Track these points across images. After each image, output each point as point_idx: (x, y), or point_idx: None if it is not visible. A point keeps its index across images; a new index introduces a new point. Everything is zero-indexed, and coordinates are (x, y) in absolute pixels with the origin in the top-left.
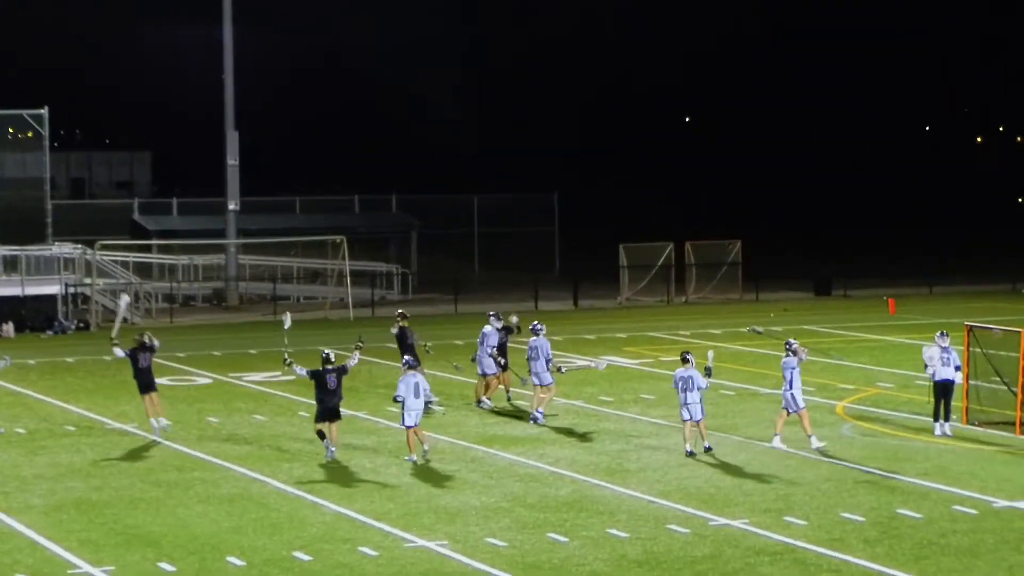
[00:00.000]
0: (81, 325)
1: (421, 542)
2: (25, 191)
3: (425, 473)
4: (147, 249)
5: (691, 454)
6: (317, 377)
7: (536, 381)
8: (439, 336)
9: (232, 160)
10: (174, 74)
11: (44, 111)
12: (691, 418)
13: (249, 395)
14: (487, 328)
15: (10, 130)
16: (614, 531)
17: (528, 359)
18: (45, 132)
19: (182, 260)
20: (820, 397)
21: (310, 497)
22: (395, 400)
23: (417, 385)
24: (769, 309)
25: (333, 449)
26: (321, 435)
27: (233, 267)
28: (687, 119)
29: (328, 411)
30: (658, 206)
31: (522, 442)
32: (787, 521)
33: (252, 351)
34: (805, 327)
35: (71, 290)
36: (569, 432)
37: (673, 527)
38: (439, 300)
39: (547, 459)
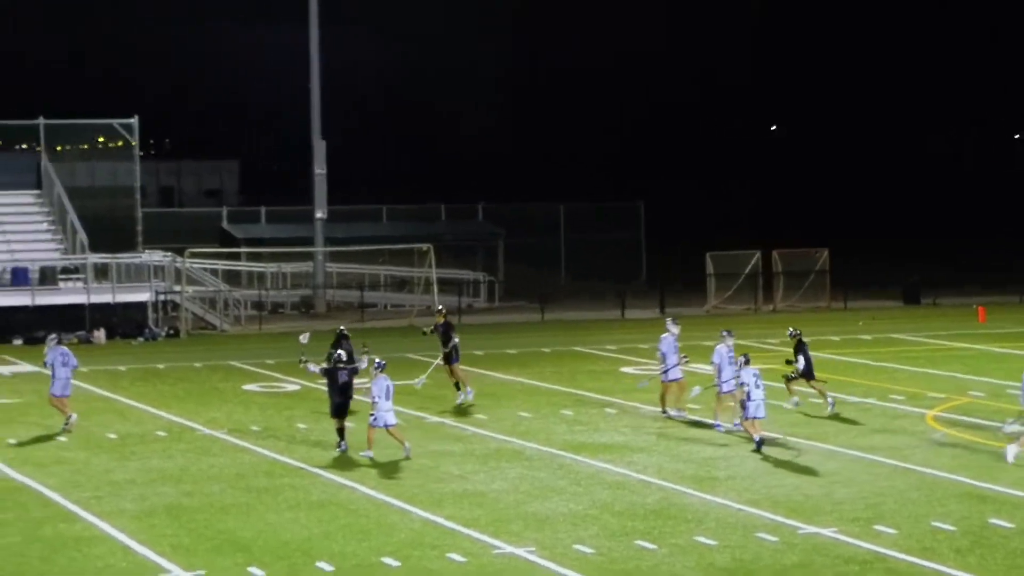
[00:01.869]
0: (171, 332)
1: (509, 549)
2: (116, 200)
3: (513, 480)
4: (236, 257)
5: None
6: (330, 375)
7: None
8: (526, 344)
9: (319, 169)
10: (262, 82)
11: (134, 120)
12: (758, 416)
13: None
14: (666, 334)
15: (100, 139)
16: (702, 539)
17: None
18: (135, 141)
19: (270, 268)
20: (910, 406)
21: (398, 503)
22: (372, 402)
23: (389, 388)
24: (857, 317)
25: (345, 446)
26: (341, 432)
27: (321, 275)
28: (773, 127)
29: (340, 407)
30: (744, 214)
31: (610, 449)
32: (877, 530)
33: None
34: (893, 335)
35: (161, 297)
36: (657, 440)
37: (762, 535)
38: (525, 308)
39: (635, 467)
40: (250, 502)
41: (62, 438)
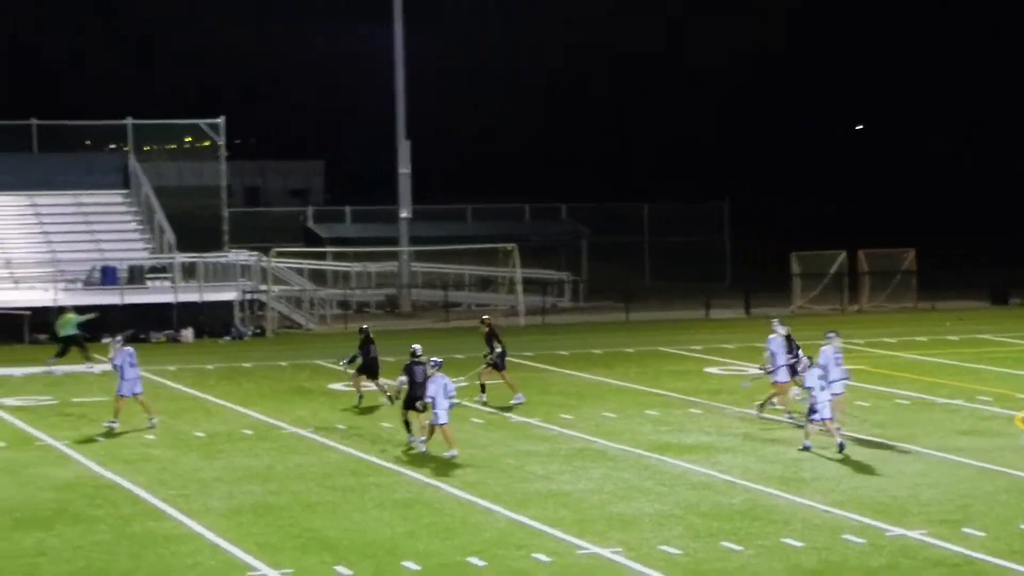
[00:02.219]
0: (257, 331)
1: (594, 549)
2: (202, 199)
3: (598, 480)
4: (321, 256)
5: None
6: (408, 372)
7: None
8: (611, 344)
9: (404, 168)
10: (347, 82)
11: (220, 120)
12: (825, 416)
13: None
14: (773, 335)
15: (187, 139)
16: (789, 540)
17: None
18: (221, 141)
19: (355, 267)
20: (998, 407)
21: (484, 503)
22: (425, 401)
23: (446, 386)
24: (944, 318)
25: (421, 439)
26: (408, 425)
27: (405, 274)
28: (859, 127)
29: (416, 400)
30: (830, 214)
31: (695, 450)
32: (965, 533)
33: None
34: (981, 336)
35: (247, 297)
36: (742, 440)
37: (849, 537)
38: (610, 308)
39: (720, 467)
40: (336, 501)
41: (150, 436)
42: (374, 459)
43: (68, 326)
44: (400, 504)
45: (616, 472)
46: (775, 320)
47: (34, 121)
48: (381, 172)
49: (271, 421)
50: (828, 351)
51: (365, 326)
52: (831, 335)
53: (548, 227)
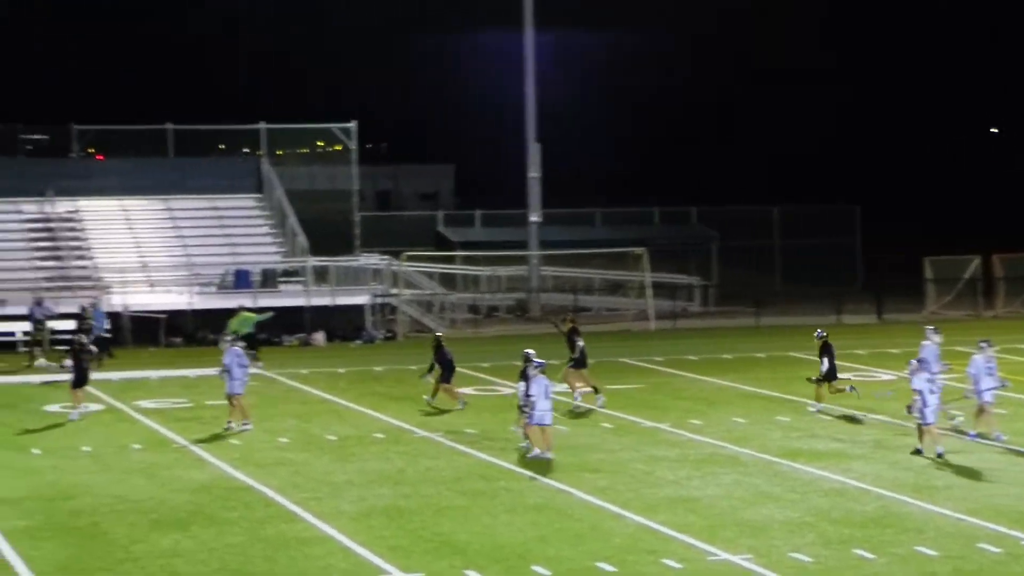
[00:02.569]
0: (388, 335)
1: (724, 555)
2: (334, 203)
3: (728, 486)
4: (451, 260)
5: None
6: (525, 376)
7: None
8: (741, 349)
9: (534, 172)
10: (479, 85)
11: (352, 125)
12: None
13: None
14: (927, 342)
15: (319, 143)
16: (922, 549)
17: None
18: (353, 145)
19: (485, 271)
20: None
21: (613, 508)
22: (527, 398)
23: (547, 387)
24: None
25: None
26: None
27: (535, 278)
28: (994, 129)
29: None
30: (963, 218)
31: (826, 456)
32: None
33: (554, 361)
34: None
35: (378, 300)
36: (874, 448)
37: (984, 546)
38: (740, 313)
39: (852, 474)
40: (466, 505)
41: (284, 439)
42: (504, 463)
43: (247, 324)
44: (530, 509)
45: (746, 478)
46: (929, 328)
47: (170, 126)
48: (511, 176)
49: (402, 425)
50: (979, 360)
51: (438, 333)
52: (983, 344)
53: (678, 231)
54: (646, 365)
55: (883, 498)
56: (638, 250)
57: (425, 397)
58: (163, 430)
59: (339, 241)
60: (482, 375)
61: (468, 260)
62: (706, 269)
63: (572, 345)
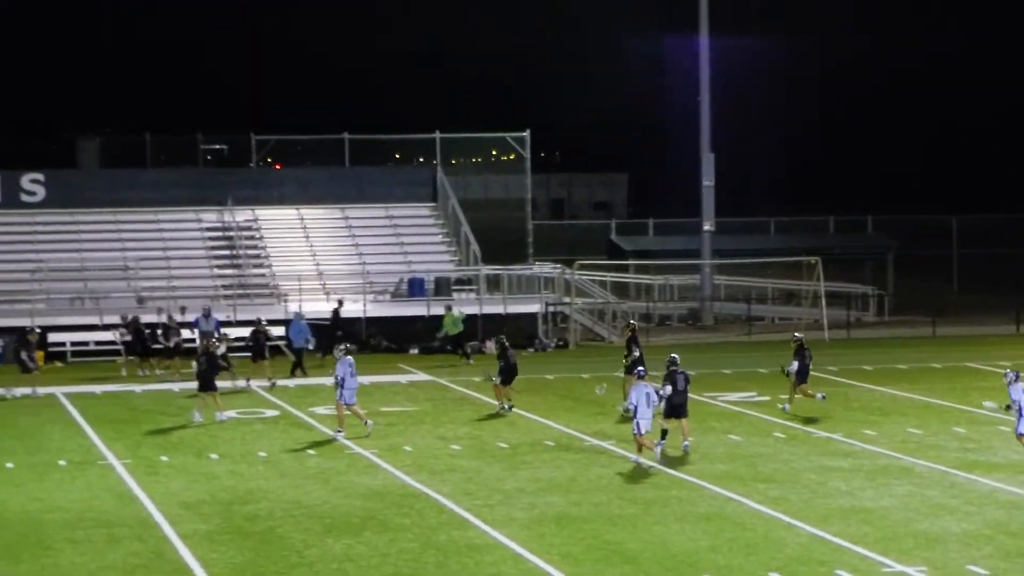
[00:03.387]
0: (560, 343)
1: (899, 567)
2: (507, 212)
3: (903, 497)
4: (624, 269)
5: None
6: (671, 380)
7: None
8: (917, 359)
9: (707, 181)
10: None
11: (526, 134)
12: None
13: (723, 415)
14: None
15: (494, 152)
16: None
17: None
18: (527, 154)
19: (658, 280)
20: None
21: (785, 518)
22: (627, 410)
23: (649, 395)
24: None
25: (686, 443)
26: (664, 432)
27: (708, 287)
28: None
29: (674, 408)
30: None
31: (1004, 468)
32: None
33: (726, 371)
34: None
35: (551, 309)
36: None
37: None
38: (916, 323)
39: None
40: (637, 513)
41: (456, 446)
42: (675, 472)
43: (457, 323)
44: (702, 518)
45: (921, 489)
46: None
47: (346, 135)
48: (684, 184)
49: (572, 432)
50: None
51: (501, 336)
52: None
53: (853, 240)
54: (819, 375)
55: None
56: (812, 259)
57: (621, 407)
58: (337, 436)
59: (512, 250)
60: (654, 384)
61: (640, 269)
62: (882, 278)
63: (630, 352)
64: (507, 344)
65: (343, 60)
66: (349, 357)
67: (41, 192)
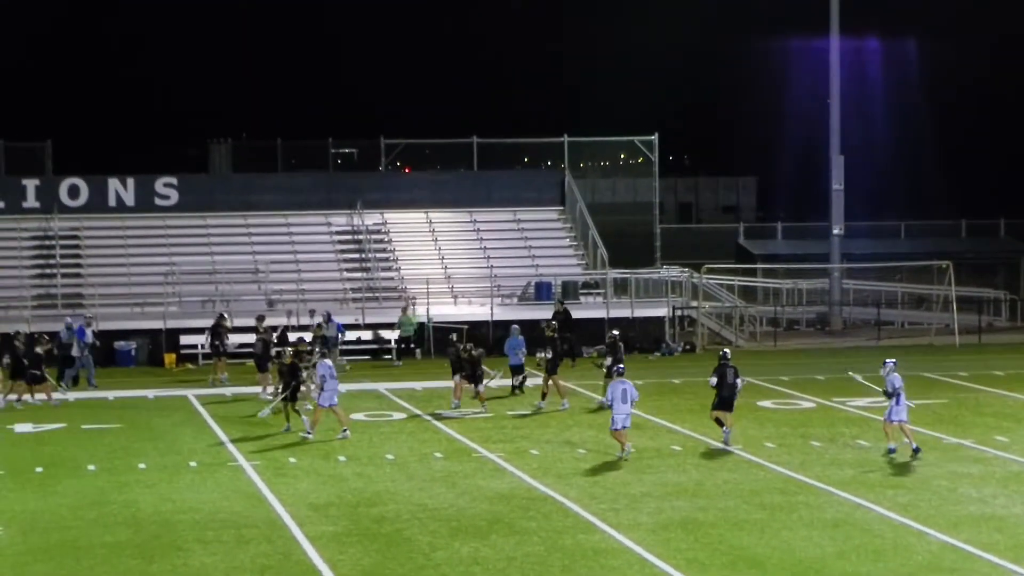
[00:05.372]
0: (687, 347)
1: None
2: (635, 216)
3: None
4: (752, 273)
5: None
6: (718, 372)
7: None
8: None
9: (837, 185)
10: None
11: (654, 137)
12: None
13: (852, 420)
14: None
15: (622, 156)
16: None
17: None
18: (655, 158)
19: (786, 284)
20: None
21: (915, 525)
22: (603, 404)
23: (626, 391)
24: None
25: (728, 432)
26: (719, 422)
27: (837, 292)
28: None
29: (724, 401)
30: None
31: None
32: None
33: (856, 376)
34: None
35: (678, 313)
36: None
37: None
38: None
39: None
40: (764, 519)
41: (582, 450)
42: (802, 477)
43: (408, 326)
44: (829, 524)
45: None
46: None
47: (475, 139)
48: (814, 188)
49: (699, 437)
50: None
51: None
52: None
53: (985, 244)
54: (949, 380)
55: None
56: (943, 263)
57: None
58: (463, 439)
59: (640, 253)
60: (782, 388)
61: (768, 273)
62: (1014, 283)
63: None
64: (556, 335)
65: (470, 66)
66: (327, 360)
67: (174, 196)
